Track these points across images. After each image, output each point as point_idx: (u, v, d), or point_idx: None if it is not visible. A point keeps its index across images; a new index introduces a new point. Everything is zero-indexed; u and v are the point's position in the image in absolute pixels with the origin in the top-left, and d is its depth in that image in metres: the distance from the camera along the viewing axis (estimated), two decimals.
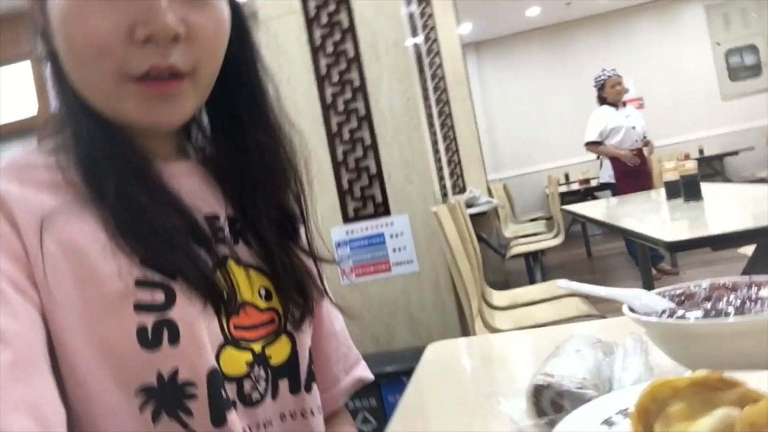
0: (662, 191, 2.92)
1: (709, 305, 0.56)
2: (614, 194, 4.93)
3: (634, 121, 4.98)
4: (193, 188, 0.65)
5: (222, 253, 0.62)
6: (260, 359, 0.62)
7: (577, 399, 0.49)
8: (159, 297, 0.54)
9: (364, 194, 2.72)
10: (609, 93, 4.98)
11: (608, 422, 0.45)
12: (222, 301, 0.59)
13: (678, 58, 8.45)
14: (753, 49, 8.46)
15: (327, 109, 2.70)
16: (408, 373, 2.43)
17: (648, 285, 3.32)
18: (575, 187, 7.04)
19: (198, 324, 0.55)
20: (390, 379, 2.35)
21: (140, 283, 0.54)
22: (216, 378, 0.56)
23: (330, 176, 2.71)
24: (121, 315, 0.52)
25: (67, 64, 0.58)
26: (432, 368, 0.81)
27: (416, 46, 3.22)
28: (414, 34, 3.18)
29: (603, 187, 5.38)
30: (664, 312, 0.57)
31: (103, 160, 0.57)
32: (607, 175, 5.11)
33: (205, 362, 0.55)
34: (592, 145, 5.03)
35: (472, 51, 8.66)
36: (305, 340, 0.67)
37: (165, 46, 0.55)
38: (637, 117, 5.06)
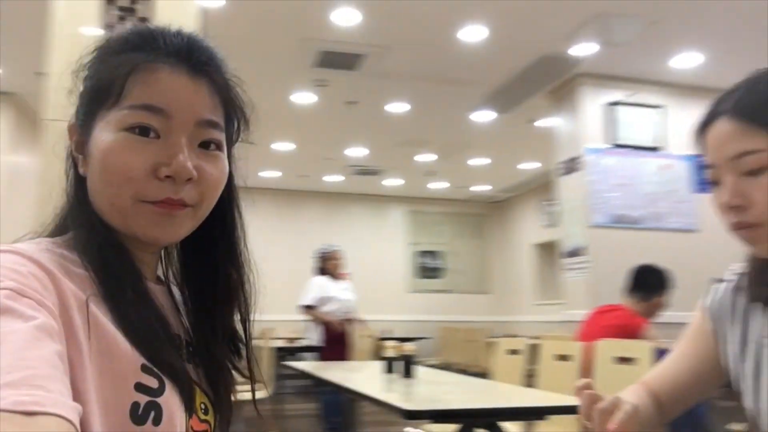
0: (370, 363, 3.39)
1: None
2: (319, 358, 5.37)
3: (347, 294, 5.63)
4: (165, 309, 0.79)
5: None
6: None
7: None
8: (155, 383, 0.65)
9: None
10: (328, 265, 5.62)
11: None
12: (189, 401, 0.72)
13: (382, 247, 9.80)
14: (437, 254, 10.26)
15: None
16: None
17: None
18: (280, 343, 7.34)
19: (177, 413, 0.68)
20: None
21: (145, 369, 0.65)
22: None
23: None
24: (124, 389, 0.62)
25: (95, 185, 0.71)
26: None
27: None
28: None
29: (307, 349, 5.80)
30: None
31: (113, 268, 0.70)
32: (314, 338, 5.57)
33: None
34: (306, 309, 5.51)
35: None
36: None
37: (179, 184, 0.70)
38: (351, 291, 5.73)
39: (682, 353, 1.12)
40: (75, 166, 0.76)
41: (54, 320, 0.57)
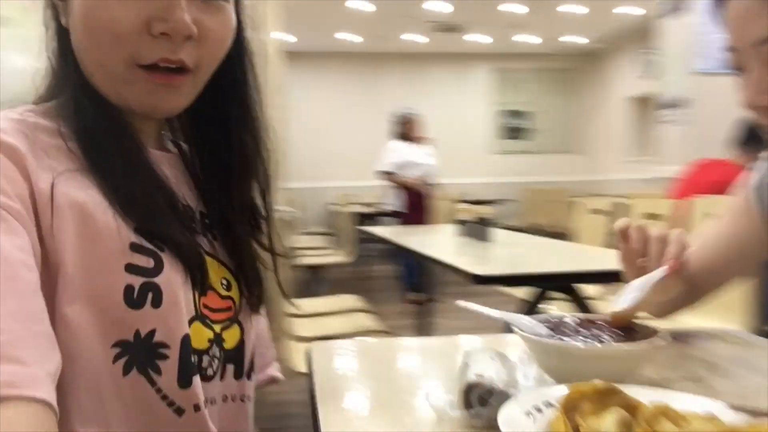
0: (449, 228, 3.29)
1: (579, 334, 0.73)
2: (399, 223, 5.33)
3: (426, 159, 5.46)
4: (173, 178, 0.70)
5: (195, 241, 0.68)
6: (218, 340, 0.67)
7: (503, 396, 0.62)
8: (149, 263, 0.59)
9: None
10: (406, 129, 5.42)
11: (534, 410, 0.59)
12: (200, 277, 0.64)
13: (464, 109, 9.45)
14: (524, 114, 9.81)
15: None
16: None
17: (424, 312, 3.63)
18: (358, 209, 7.42)
19: (179, 293, 0.61)
20: None
21: (134, 247, 0.59)
22: (187, 344, 0.61)
23: None
24: (113, 272, 0.57)
25: (80, 43, 0.62)
26: (331, 371, 0.88)
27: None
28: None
29: (388, 214, 5.78)
30: (547, 335, 0.73)
31: (103, 137, 0.62)
32: (394, 203, 5.51)
33: (180, 327, 0.61)
34: (384, 174, 5.41)
35: (294, 60, 8.73)
36: (252, 332, 0.73)
37: (177, 42, 0.60)
38: (430, 156, 5.55)
39: (720, 234, 1.04)
40: (57, 15, 0.64)
41: (19, 220, 0.51)
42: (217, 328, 0.68)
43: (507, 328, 0.79)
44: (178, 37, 0.60)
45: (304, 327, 2.71)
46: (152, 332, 0.59)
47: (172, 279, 0.61)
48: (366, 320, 2.78)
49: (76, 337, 0.55)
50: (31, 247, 0.52)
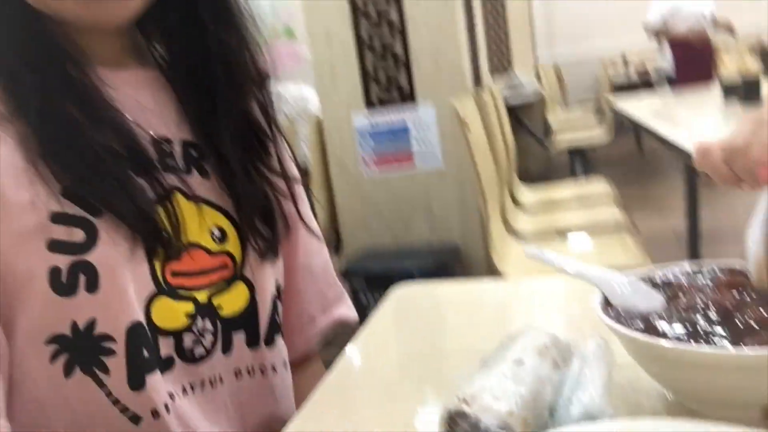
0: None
1: (703, 319, 0.42)
2: (672, 87, 4.54)
3: (702, 2, 4.47)
4: (145, 102, 0.57)
5: (168, 184, 0.54)
6: (205, 310, 0.56)
7: None
8: (78, 235, 0.47)
9: (390, 80, 2.52)
10: None
11: None
12: (158, 242, 0.51)
13: None
14: None
15: None
16: (423, 272, 2.33)
17: (692, 206, 3.03)
18: (632, 73, 6.57)
19: (121, 269, 0.49)
20: (402, 277, 2.28)
21: (57, 218, 0.47)
22: (138, 334, 0.50)
23: (353, 59, 2.51)
24: (32, 253, 0.46)
25: None
26: (386, 322, 0.70)
27: None
28: None
29: (660, 79, 4.97)
30: (644, 319, 0.43)
31: (27, 68, 0.49)
32: (666, 62, 4.69)
33: (126, 314, 0.50)
34: (650, 29, 4.60)
35: None
36: (267, 285, 0.60)
37: None
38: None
39: None
40: None
41: None
42: (202, 295, 0.55)
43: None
44: None
45: (528, 221, 2.47)
46: (92, 323, 0.48)
47: (111, 253, 0.48)
48: (611, 213, 2.37)
49: (1, 338, 0.47)
50: None
